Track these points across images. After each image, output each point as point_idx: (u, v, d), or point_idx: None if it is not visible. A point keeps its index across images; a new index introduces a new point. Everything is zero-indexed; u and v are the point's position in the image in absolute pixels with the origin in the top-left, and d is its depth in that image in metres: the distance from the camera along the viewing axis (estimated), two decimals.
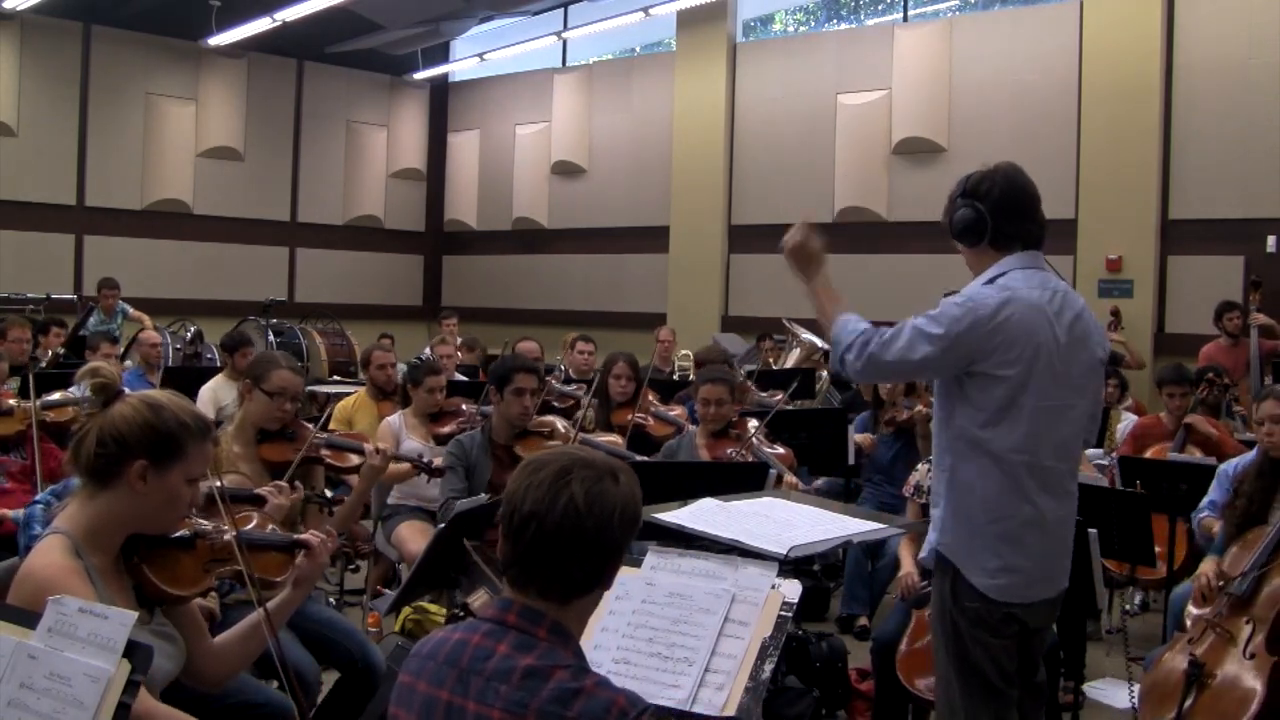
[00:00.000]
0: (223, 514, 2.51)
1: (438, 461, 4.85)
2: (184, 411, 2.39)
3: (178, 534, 2.45)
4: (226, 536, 2.51)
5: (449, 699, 1.82)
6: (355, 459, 4.13)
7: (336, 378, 9.96)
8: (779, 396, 7.19)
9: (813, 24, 13.59)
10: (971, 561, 2.83)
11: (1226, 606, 3.60)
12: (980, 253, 2.91)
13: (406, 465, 5.00)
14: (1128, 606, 6.14)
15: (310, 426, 4.02)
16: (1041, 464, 2.82)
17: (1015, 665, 2.89)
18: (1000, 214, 2.86)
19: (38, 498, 3.45)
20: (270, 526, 2.87)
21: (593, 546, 1.84)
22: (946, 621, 2.90)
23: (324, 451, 4.01)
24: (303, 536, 2.70)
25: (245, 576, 2.46)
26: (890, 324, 2.90)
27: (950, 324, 2.77)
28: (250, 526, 2.72)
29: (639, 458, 5.11)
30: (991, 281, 2.86)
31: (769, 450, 5.08)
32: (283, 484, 3.38)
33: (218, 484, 2.51)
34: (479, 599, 3.26)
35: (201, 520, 2.54)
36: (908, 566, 4.68)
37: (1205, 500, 4.74)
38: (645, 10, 12.24)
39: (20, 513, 4.38)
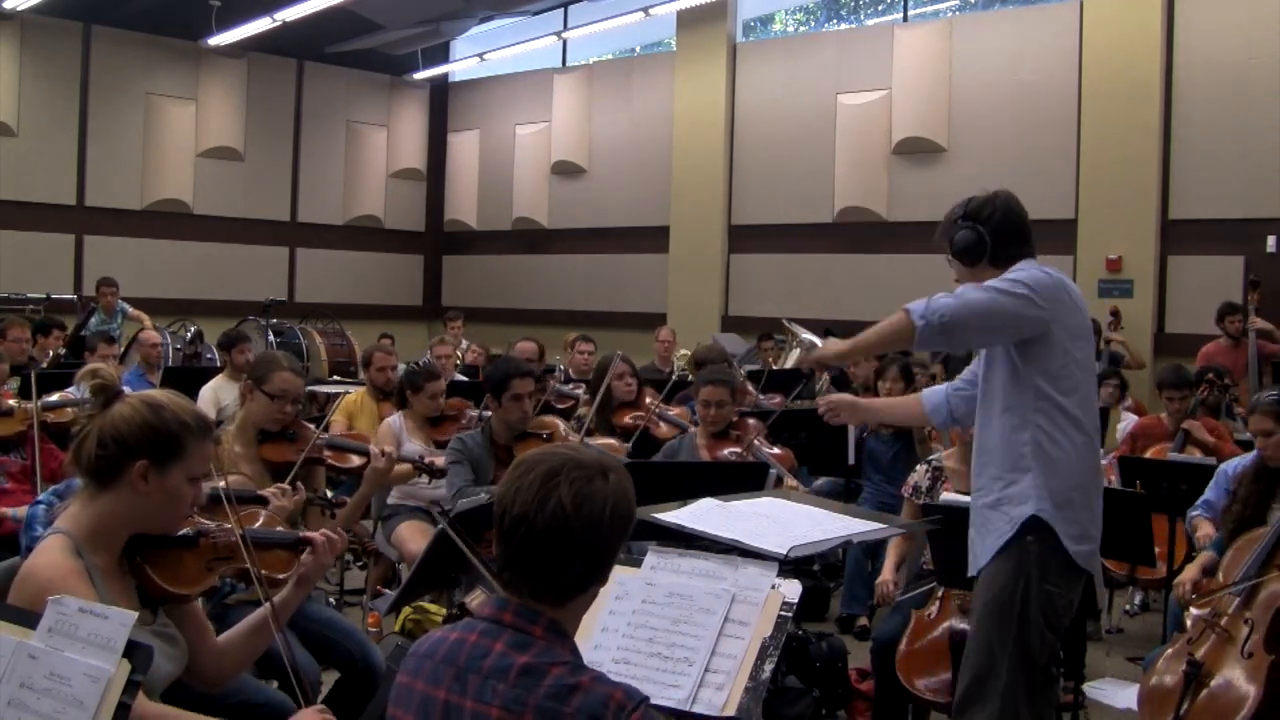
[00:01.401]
0: (227, 513, 2.51)
1: (439, 462, 4.85)
2: (184, 411, 2.39)
3: (180, 533, 2.46)
4: (232, 537, 2.51)
5: (446, 698, 1.82)
6: (357, 460, 4.13)
7: (336, 378, 9.96)
8: (776, 399, 7.20)
9: (813, 24, 13.59)
10: (1067, 529, 2.93)
11: (1225, 607, 3.61)
12: (978, 271, 3.07)
13: (408, 466, 5.00)
14: (1128, 606, 6.14)
15: (311, 427, 4.03)
16: (1097, 427, 3.02)
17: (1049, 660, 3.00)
18: (999, 236, 3.04)
19: (40, 498, 3.46)
20: (266, 519, 2.88)
21: (582, 549, 1.83)
22: (1018, 604, 2.92)
23: (326, 452, 4.02)
24: (307, 534, 2.70)
25: (251, 574, 2.46)
26: None
27: (1027, 280, 2.92)
28: (254, 525, 2.73)
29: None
30: None
31: (768, 451, 5.09)
32: (286, 486, 3.38)
33: (222, 484, 2.51)
34: (476, 599, 3.26)
35: (204, 520, 2.54)
36: (888, 574, 4.71)
37: (1201, 499, 4.75)
38: (645, 10, 12.24)
39: (20, 511, 4.43)
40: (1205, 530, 4.64)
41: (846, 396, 3.54)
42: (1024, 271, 2.97)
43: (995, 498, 3.00)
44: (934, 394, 3.43)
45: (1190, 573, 4.12)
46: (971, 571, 3.11)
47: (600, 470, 1.86)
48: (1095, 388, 3.06)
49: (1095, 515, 3.01)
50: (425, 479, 5.06)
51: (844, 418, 3.53)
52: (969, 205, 3.08)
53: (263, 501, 3.21)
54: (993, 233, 3.02)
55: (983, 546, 3.03)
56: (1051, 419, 2.93)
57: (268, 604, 2.46)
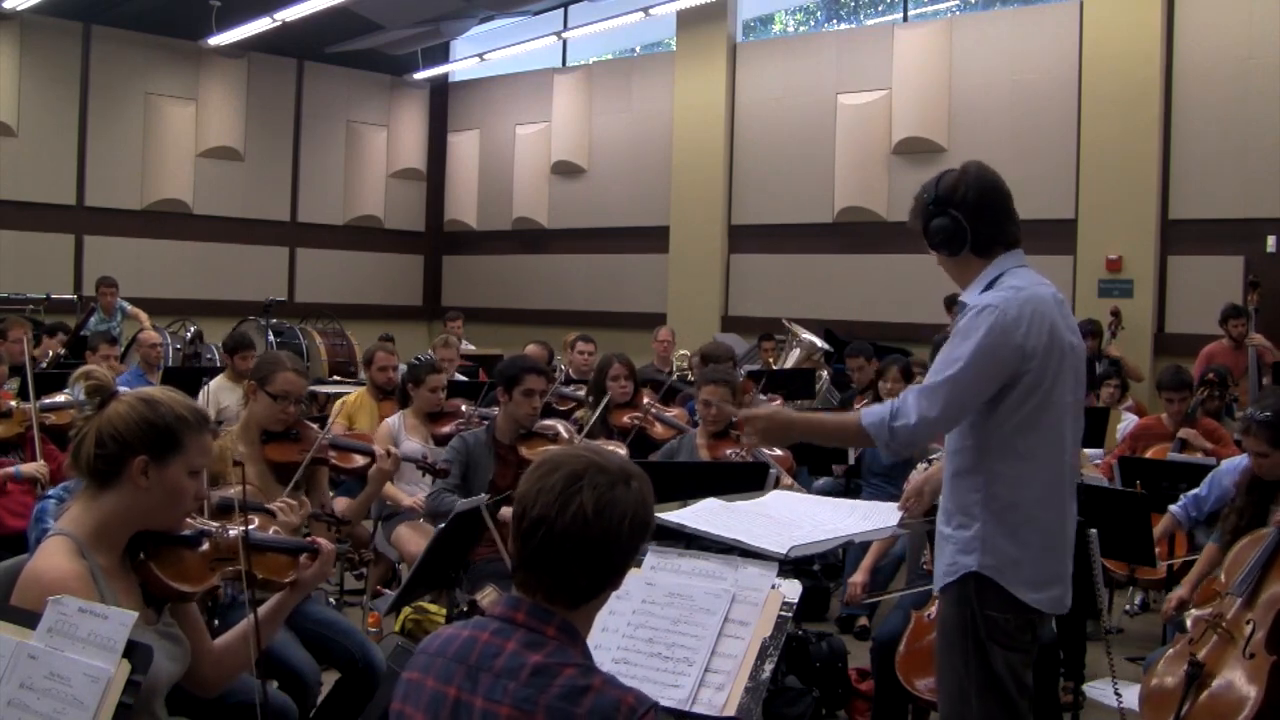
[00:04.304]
0: (234, 517, 2.53)
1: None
2: (180, 405, 2.40)
3: (184, 532, 2.46)
4: (232, 533, 2.52)
5: (457, 695, 1.82)
6: (361, 460, 4.13)
7: (336, 378, 9.97)
8: (776, 400, 7.21)
9: (813, 24, 13.59)
10: (1017, 577, 2.73)
11: (1227, 608, 3.60)
12: (962, 261, 2.86)
13: (409, 501, 5.14)
14: (1128, 606, 6.14)
15: (315, 427, 4.03)
16: (1066, 462, 2.80)
17: (1028, 677, 2.83)
18: (978, 220, 2.80)
19: (50, 492, 3.48)
20: (273, 528, 2.88)
21: (600, 554, 1.83)
22: (968, 634, 2.78)
23: (330, 453, 4.01)
24: (315, 539, 2.72)
25: (247, 575, 2.46)
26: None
27: (988, 333, 2.69)
28: (255, 525, 2.73)
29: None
30: (990, 286, 2.81)
31: (768, 452, 5.09)
32: (292, 501, 3.35)
33: (233, 491, 2.51)
34: (487, 596, 3.26)
35: (206, 521, 2.55)
36: (859, 575, 4.71)
37: (1190, 493, 4.76)
38: (645, 10, 12.23)
39: (24, 468, 4.54)
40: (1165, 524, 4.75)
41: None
42: (976, 320, 2.71)
43: (947, 532, 2.85)
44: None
45: (1181, 590, 4.14)
46: (934, 588, 2.98)
47: (623, 477, 1.86)
48: (1068, 408, 2.78)
49: (1065, 554, 2.80)
50: (428, 479, 5.09)
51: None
52: (939, 186, 2.83)
53: (270, 514, 3.20)
54: (970, 217, 2.78)
55: (936, 568, 2.91)
56: (1002, 467, 2.74)
57: (251, 611, 2.46)
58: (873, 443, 2.82)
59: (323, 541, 2.72)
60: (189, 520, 2.50)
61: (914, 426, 2.72)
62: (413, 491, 5.40)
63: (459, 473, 4.71)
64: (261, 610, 2.56)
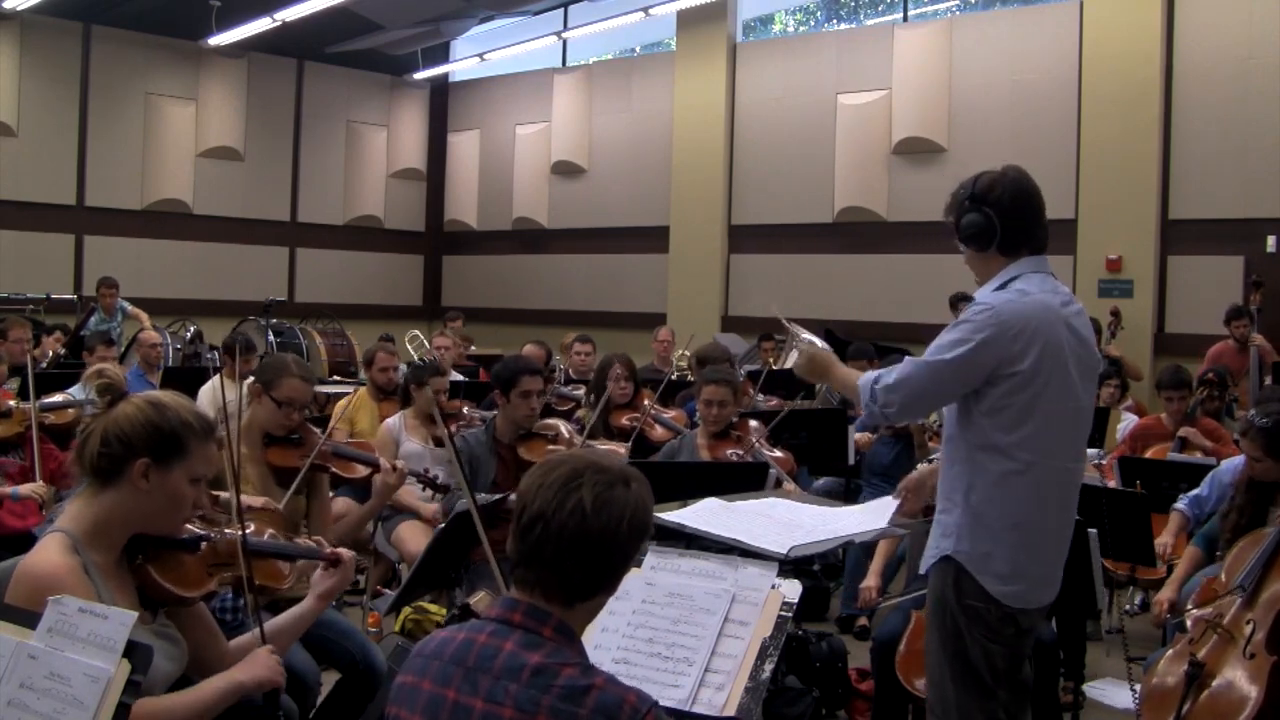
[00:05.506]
0: (233, 518, 2.53)
1: (442, 476, 4.87)
2: (187, 411, 2.40)
3: (182, 537, 2.46)
4: (229, 534, 2.52)
5: (455, 698, 1.83)
6: (362, 470, 4.09)
7: (336, 377, 9.96)
8: (773, 402, 7.19)
9: (813, 24, 13.59)
10: (986, 568, 2.81)
11: (1227, 608, 3.60)
12: (987, 258, 2.94)
13: (429, 510, 5.11)
14: (1128, 606, 6.14)
15: (318, 432, 4.01)
16: (1058, 466, 2.84)
17: (1006, 666, 2.88)
18: (1009, 220, 2.88)
19: (76, 489, 3.50)
20: (269, 532, 2.87)
21: (597, 550, 1.85)
22: (946, 618, 2.87)
23: (331, 461, 3.98)
24: (338, 551, 2.72)
25: (245, 581, 2.46)
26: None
27: (976, 329, 2.80)
28: (252, 530, 2.73)
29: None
30: (1003, 286, 2.88)
31: (769, 454, 5.08)
32: (323, 540, 3.31)
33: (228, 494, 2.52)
34: (480, 601, 3.26)
35: (208, 526, 2.55)
36: (872, 579, 4.71)
37: (1192, 493, 4.77)
38: (645, 10, 12.24)
39: (21, 489, 4.53)
40: (1164, 540, 4.75)
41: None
42: (976, 315, 2.81)
43: (936, 515, 2.96)
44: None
45: (1167, 592, 4.13)
46: (920, 570, 3.07)
47: (623, 479, 1.89)
48: (1065, 413, 2.84)
49: (1042, 553, 2.85)
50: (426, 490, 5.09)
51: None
52: (977, 184, 2.92)
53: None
54: (1002, 216, 2.86)
55: (925, 552, 2.98)
56: (986, 461, 2.81)
57: (254, 615, 2.46)
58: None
59: (344, 551, 2.72)
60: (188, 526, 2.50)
61: (892, 385, 2.86)
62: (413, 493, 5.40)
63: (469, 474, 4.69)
64: (281, 619, 2.57)
